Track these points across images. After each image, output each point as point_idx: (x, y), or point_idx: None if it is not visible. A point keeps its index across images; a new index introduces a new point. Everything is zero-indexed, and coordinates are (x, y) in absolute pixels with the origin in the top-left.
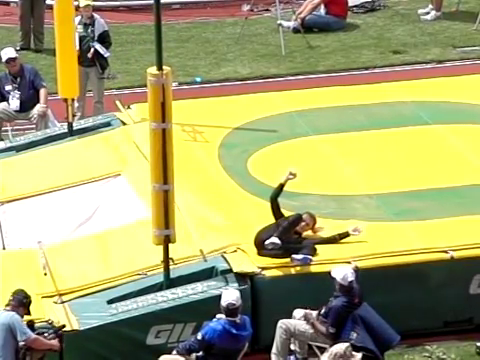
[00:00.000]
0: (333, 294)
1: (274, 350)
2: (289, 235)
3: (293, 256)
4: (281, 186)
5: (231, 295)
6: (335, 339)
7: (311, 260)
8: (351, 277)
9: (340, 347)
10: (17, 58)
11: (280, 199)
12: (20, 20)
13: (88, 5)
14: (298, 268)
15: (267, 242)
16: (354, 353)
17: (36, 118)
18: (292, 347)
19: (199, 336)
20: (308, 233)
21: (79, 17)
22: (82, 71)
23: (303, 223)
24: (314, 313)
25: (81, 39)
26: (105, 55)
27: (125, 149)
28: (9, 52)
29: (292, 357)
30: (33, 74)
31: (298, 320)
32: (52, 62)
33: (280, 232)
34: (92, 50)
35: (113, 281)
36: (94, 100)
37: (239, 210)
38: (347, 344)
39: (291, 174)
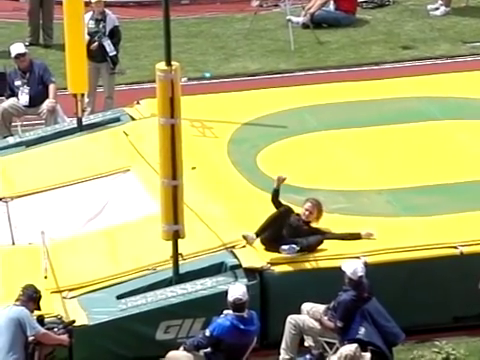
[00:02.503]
0: (342, 288)
1: (283, 345)
2: (276, 229)
3: (281, 247)
4: (276, 191)
5: (237, 290)
6: (343, 334)
7: (295, 250)
8: (361, 271)
9: (350, 349)
10: (26, 54)
11: (289, 194)
12: (29, 15)
13: (100, 1)
14: (307, 263)
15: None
16: (363, 354)
17: (45, 113)
18: (306, 344)
19: (207, 332)
20: (320, 226)
21: (90, 13)
22: (93, 66)
23: (307, 212)
24: (321, 308)
25: (92, 35)
26: (110, 53)
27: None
28: (18, 48)
29: (308, 355)
30: (42, 69)
31: (307, 315)
32: (61, 57)
33: (260, 228)
34: (96, 44)
35: (122, 276)
36: (105, 95)
37: (248, 205)
38: (356, 345)
39: (279, 180)
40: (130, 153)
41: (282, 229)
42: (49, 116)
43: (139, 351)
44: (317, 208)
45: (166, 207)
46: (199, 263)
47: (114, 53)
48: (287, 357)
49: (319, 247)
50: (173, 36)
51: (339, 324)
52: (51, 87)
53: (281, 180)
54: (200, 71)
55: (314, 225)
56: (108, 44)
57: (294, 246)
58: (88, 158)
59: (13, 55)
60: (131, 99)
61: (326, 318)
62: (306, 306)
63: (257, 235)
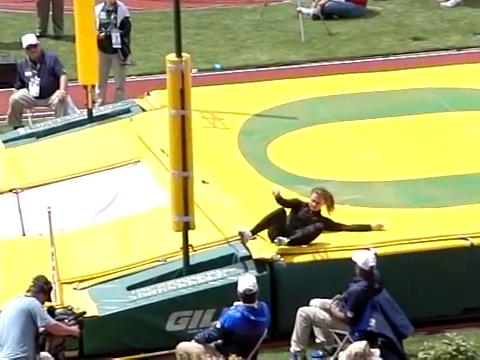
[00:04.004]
0: (353, 279)
1: (294, 337)
2: (277, 226)
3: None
4: (278, 198)
5: (248, 281)
6: (353, 325)
7: (284, 241)
8: (372, 262)
9: (359, 346)
10: (38, 45)
11: (300, 186)
12: (37, 7)
13: None
14: (317, 254)
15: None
16: (372, 350)
17: (56, 104)
18: (317, 340)
19: (218, 325)
20: (330, 217)
21: (102, 4)
22: (104, 58)
23: (314, 203)
24: (329, 300)
25: (104, 26)
26: (114, 46)
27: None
28: (30, 38)
29: (320, 351)
30: (53, 60)
31: (317, 307)
32: (72, 48)
33: (256, 226)
34: (102, 34)
35: (133, 268)
36: (116, 87)
37: (258, 197)
38: (365, 342)
39: (275, 194)
40: (140, 144)
41: (283, 227)
42: (59, 107)
43: (149, 342)
44: (324, 197)
45: (176, 198)
46: (209, 254)
47: (119, 46)
48: (298, 349)
49: (329, 239)
50: (183, 27)
51: (349, 314)
52: (62, 78)
53: (277, 194)
54: (210, 62)
55: (326, 215)
56: (116, 36)
57: (282, 238)
58: (98, 149)
59: (25, 46)
60: (141, 90)
61: (337, 309)
62: (315, 302)
63: (253, 233)
